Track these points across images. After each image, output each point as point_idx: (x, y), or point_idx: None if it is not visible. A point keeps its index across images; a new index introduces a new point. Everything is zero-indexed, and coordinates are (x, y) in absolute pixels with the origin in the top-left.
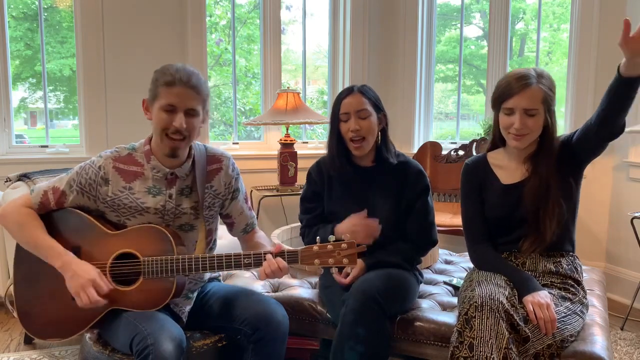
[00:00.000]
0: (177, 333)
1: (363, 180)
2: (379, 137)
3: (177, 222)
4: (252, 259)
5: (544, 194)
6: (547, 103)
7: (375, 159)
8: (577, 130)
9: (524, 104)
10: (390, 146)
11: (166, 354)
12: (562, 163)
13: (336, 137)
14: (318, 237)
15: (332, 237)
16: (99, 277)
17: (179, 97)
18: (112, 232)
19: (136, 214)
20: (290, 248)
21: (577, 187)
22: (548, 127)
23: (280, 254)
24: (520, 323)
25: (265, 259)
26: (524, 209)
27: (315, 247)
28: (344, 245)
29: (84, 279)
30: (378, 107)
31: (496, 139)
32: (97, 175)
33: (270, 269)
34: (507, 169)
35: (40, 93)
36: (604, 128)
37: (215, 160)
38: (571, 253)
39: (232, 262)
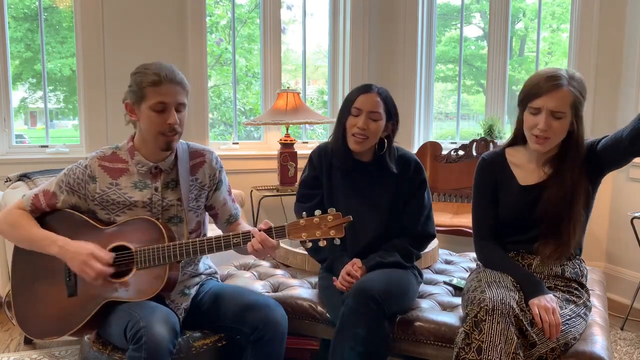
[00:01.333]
0: (170, 317)
1: (363, 174)
2: (385, 144)
3: (166, 215)
4: (240, 238)
5: (569, 202)
6: (576, 107)
7: (374, 155)
8: (601, 138)
9: (552, 105)
10: (393, 154)
11: (159, 336)
12: (585, 170)
13: (342, 128)
14: (304, 213)
15: (318, 211)
16: (97, 248)
17: (169, 95)
18: (104, 227)
19: (125, 209)
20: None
21: (593, 195)
22: (573, 132)
23: (268, 230)
24: (528, 328)
25: (253, 237)
26: (540, 211)
27: (302, 221)
28: (330, 218)
29: (83, 254)
30: (390, 115)
31: (517, 137)
32: (84, 174)
33: (258, 242)
34: (526, 169)
35: (40, 93)
36: (635, 145)
37: (198, 155)
38: (578, 257)
39: (222, 243)
